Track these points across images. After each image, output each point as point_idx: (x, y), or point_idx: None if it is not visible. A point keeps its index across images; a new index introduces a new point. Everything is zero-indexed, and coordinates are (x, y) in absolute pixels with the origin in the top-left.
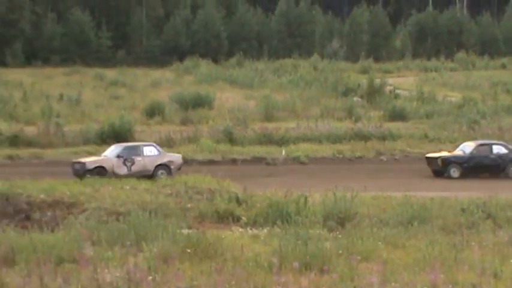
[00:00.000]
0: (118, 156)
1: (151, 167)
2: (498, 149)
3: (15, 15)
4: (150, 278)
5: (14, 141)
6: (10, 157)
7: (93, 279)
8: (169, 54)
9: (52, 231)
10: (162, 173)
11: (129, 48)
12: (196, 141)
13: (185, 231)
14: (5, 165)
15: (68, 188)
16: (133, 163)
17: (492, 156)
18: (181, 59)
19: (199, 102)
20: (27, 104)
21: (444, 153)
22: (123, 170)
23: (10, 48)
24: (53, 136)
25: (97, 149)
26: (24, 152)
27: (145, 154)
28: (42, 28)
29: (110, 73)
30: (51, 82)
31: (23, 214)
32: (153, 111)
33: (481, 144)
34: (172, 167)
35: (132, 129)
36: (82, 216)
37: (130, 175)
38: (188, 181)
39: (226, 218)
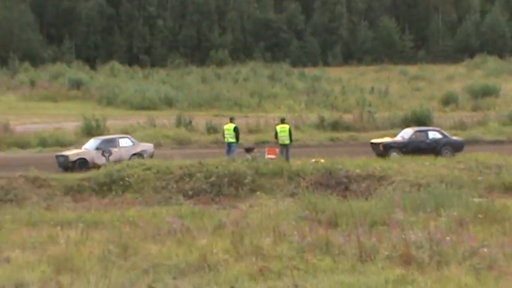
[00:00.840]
0: (97, 149)
1: (126, 156)
2: (433, 135)
3: (335, 23)
4: (448, 238)
5: (335, 126)
6: (332, 139)
7: (401, 238)
8: (461, 52)
9: (366, 199)
10: None
11: (428, 48)
12: (484, 124)
13: (476, 199)
14: (328, 146)
15: (378, 164)
16: (110, 154)
17: (428, 141)
18: (471, 56)
19: (487, 92)
20: (344, 96)
21: (386, 139)
22: (102, 160)
23: (331, 50)
24: (365, 122)
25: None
26: (343, 135)
27: (121, 145)
28: (357, 33)
29: (412, 69)
30: (364, 78)
31: (342, 185)
32: (448, 100)
33: (418, 131)
34: (145, 155)
35: (430, 115)
36: (390, 187)
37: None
38: (478, 158)
39: (511, 189)
